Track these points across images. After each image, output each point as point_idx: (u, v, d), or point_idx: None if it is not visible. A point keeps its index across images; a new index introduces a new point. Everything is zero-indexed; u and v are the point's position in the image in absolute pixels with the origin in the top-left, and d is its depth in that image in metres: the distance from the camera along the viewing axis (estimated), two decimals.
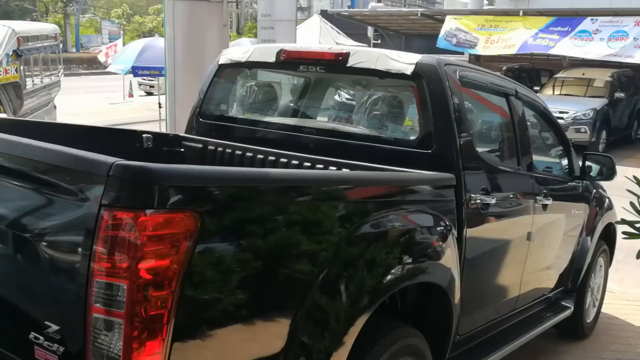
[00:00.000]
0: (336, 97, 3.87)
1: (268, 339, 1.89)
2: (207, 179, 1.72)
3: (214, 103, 3.57)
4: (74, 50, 36.60)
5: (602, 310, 4.64)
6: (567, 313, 3.99)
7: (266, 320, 1.88)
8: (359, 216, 2.17)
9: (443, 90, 2.75)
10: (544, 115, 3.95)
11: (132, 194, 1.58)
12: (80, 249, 1.64)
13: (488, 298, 3.22)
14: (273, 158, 3.01)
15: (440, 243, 2.55)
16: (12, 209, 1.90)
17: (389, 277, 2.25)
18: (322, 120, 3.39)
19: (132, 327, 1.55)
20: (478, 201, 2.85)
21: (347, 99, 3.94)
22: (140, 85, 20.81)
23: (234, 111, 3.67)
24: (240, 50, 3.48)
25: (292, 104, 3.61)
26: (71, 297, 1.66)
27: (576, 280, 4.11)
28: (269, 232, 1.85)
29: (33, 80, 10.84)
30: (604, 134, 12.75)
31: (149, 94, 20.27)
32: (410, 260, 2.37)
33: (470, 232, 2.79)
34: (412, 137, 2.93)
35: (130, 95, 19.38)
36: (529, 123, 3.64)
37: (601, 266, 4.52)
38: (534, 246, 3.45)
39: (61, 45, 14.78)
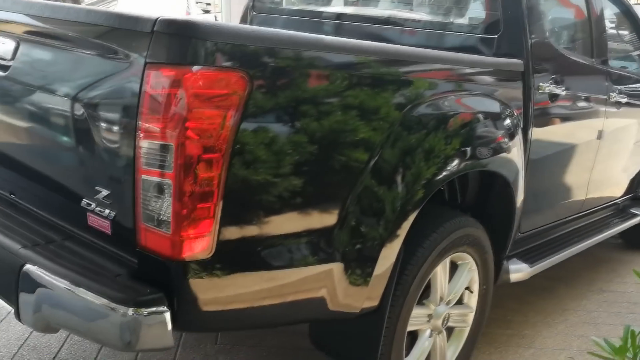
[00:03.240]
0: None
1: (316, 223, 1.81)
2: (257, 38, 1.61)
3: None
4: None
5: None
6: (636, 220, 3.81)
7: (314, 204, 1.79)
8: (418, 97, 2.03)
9: None
10: (627, 13, 3.65)
11: (177, 50, 1.50)
12: (127, 111, 1.59)
13: (552, 196, 3.07)
14: None
15: (505, 131, 2.40)
16: (57, 74, 1.85)
17: (446, 162, 2.11)
18: (381, 7, 3.20)
19: (181, 188, 1.51)
20: (547, 91, 2.67)
21: None
22: (197, 2, 20.62)
23: (287, 2, 3.52)
24: None
25: None
26: (120, 161, 1.63)
27: None
28: (319, 107, 1.74)
29: None
30: None
31: (206, 12, 20.09)
32: (470, 147, 2.22)
33: (536, 123, 2.63)
34: (477, 22, 2.74)
35: (188, 13, 19.25)
36: (608, 19, 3.37)
37: None
38: (604, 147, 3.25)
39: None
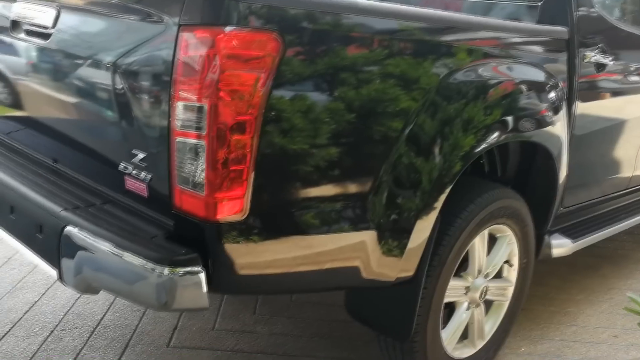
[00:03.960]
0: None
1: (349, 190, 1.79)
2: (292, 0, 1.60)
3: None
4: None
5: None
6: None
7: (347, 171, 1.77)
8: (457, 64, 1.99)
9: None
10: None
11: (210, 11, 1.50)
12: (162, 73, 1.60)
13: (597, 171, 2.98)
14: None
15: (548, 101, 2.33)
16: (96, 40, 1.88)
17: (484, 132, 2.04)
18: None
19: (214, 150, 1.52)
20: (593, 60, 2.58)
21: None
22: None
23: None
24: None
25: None
26: (156, 124, 1.65)
27: None
28: (355, 74, 1.72)
29: None
30: None
31: None
32: (510, 116, 2.17)
33: (581, 94, 2.55)
34: None
35: None
36: None
37: None
38: None
39: None
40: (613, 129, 2.91)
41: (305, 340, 2.64)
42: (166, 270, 1.55)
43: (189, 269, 1.57)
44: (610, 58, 2.65)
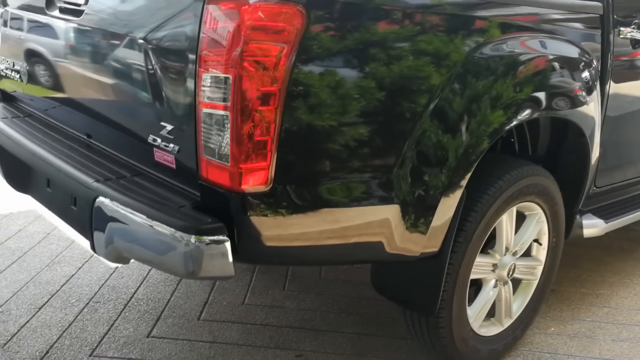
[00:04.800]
0: None
1: (372, 164, 1.80)
2: None
3: None
4: None
5: None
6: None
7: (369, 145, 1.77)
8: (485, 38, 1.97)
9: None
10: None
11: None
12: (188, 46, 1.64)
13: (632, 153, 2.92)
14: None
15: (579, 76, 2.29)
16: (125, 16, 1.93)
17: (511, 107, 2.01)
18: None
19: (238, 121, 1.54)
20: (629, 36, 2.52)
21: None
22: None
23: None
24: None
25: None
26: (183, 96, 1.68)
27: None
28: (380, 47, 1.72)
29: None
30: None
31: None
32: (541, 90, 2.14)
33: (615, 71, 2.50)
34: None
35: None
36: None
37: None
38: None
39: None
40: None
41: (333, 316, 2.67)
42: (193, 239, 1.59)
43: (214, 237, 1.60)
44: None
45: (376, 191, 1.82)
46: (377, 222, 1.86)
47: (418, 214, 1.91)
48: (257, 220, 1.65)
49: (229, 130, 1.56)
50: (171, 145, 1.75)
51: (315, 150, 1.69)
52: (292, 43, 1.55)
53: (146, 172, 1.93)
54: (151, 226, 1.66)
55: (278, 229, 1.71)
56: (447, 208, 1.95)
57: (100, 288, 2.81)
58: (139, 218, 1.69)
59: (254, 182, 1.61)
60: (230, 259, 1.64)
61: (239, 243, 1.66)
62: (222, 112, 1.56)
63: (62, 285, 2.81)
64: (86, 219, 1.86)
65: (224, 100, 1.55)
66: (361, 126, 1.73)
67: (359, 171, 1.77)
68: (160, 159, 1.81)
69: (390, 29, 1.74)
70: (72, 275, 2.91)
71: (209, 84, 1.57)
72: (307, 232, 1.76)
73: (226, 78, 1.53)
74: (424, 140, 1.84)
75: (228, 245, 1.62)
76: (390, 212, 1.86)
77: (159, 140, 1.79)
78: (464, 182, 1.96)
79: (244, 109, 1.54)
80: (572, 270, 3.24)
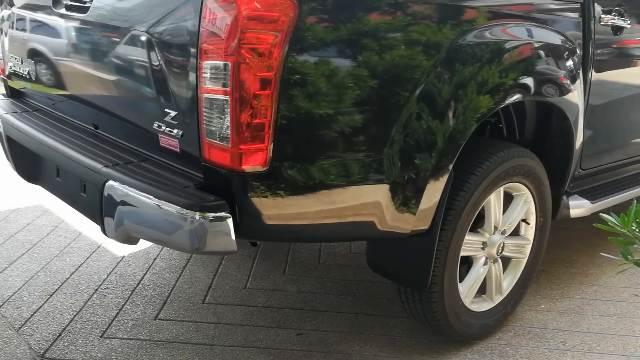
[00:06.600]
0: None
1: (362, 146, 1.89)
2: None
3: None
4: None
5: None
6: None
7: (359, 128, 1.87)
8: (467, 25, 2.06)
9: None
10: None
11: None
12: (189, 36, 1.76)
13: (616, 135, 3.03)
14: None
15: (562, 63, 2.41)
16: (128, 9, 2.04)
17: (493, 90, 2.11)
18: None
19: (237, 105, 1.66)
20: (609, 23, 2.63)
21: None
22: None
23: None
24: None
25: None
26: (185, 83, 1.80)
27: None
28: (373, 37, 1.83)
29: None
30: None
31: None
32: (522, 74, 2.23)
33: (597, 58, 2.61)
34: None
35: None
36: None
37: None
38: None
39: None
40: (629, 91, 2.95)
41: (332, 297, 2.79)
42: (197, 215, 1.71)
43: (217, 214, 1.72)
44: (629, 21, 2.69)
45: (368, 171, 1.93)
46: (370, 202, 1.97)
47: (407, 194, 2.02)
48: (256, 198, 1.77)
49: (229, 114, 1.68)
50: (175, 130, 1.87)
51: (310, 132, 1.81)
52: (286, 32, 1.67)
53: (152, 157, 2.05)
54: (158, 205, 1.78)
55: (276, 207, 1.82)
56: (434, 187, 2.06)
57: (108, 275, 2.92)
58: (146, 198, 1.81)
59: (254, 162, 1.72)
60: (233, 234, 1.75)
61: (241, 220, 1.77)
62: (222, 97, 1.68)
63: (72, 274, 2.93)
64: (96, 202, 1.97)
65: (224, 85, 1.67)
66: (352, 109, 1.84)
67: (352, 151, 1.88)
68: (165, 143, 1.93)
69: (382, 18, 1.86)
70: (81, 264, 3.02)
71: (209, 71, 1.69)
72: (304, 212, 1.88)
73: (225, 65, 1.65)
74: (411, 124, 1.95)
75: (230, 221, 1.74)
76: (382, 192, 1.97)
77: (163, 126, 1.91)
78: (450, 164, 2.06)
79: (242, 94, 1.66)
80: (563, 252, 3.35)
